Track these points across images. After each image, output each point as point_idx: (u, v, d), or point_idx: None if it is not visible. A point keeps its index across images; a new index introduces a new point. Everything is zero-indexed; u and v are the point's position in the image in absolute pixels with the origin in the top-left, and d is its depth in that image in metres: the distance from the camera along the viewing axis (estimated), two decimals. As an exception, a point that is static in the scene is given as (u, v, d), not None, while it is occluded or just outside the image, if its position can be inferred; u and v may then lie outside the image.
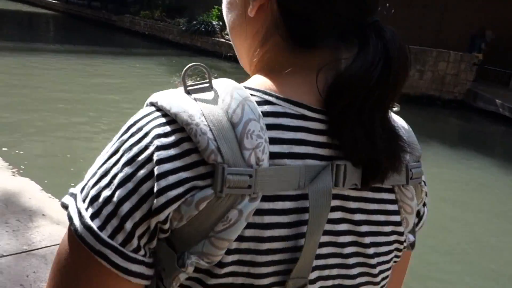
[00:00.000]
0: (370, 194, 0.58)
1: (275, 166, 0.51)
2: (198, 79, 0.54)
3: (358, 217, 0.58)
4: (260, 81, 0.57)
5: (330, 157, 0.55)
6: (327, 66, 0.55)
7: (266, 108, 0.53)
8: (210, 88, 0.53)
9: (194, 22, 18.35)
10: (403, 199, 0.61)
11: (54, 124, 7.21)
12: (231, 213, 0.49)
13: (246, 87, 0.55)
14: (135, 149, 0.50)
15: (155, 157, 0.49)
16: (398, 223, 0.61)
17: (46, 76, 10.80)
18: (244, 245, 0.51)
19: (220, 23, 17.62)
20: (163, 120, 0.51)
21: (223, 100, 0.51)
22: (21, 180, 3.56)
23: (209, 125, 0.49)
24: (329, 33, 0.56)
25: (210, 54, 17.52)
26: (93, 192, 0.51)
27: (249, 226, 0.50)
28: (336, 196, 0.55)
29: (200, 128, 0.49)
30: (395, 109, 0.59)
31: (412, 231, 0.65)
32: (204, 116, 0.49)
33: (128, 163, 0.50)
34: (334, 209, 0.55)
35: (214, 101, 0.51)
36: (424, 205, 0.69)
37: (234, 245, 0.50)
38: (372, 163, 0.54)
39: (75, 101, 8.53)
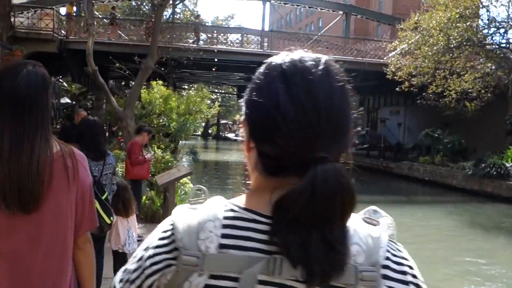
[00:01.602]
0: None
1: (221, 253, 0.73)
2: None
3: None
4: (242, 197, 0.81)
5: (272, 252, 0.72)
6: (280, 188, 0.74)
7: (229, 213, 0.77)
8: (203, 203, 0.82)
9: (483, 165, 16.58)
10: None
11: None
12: (185, 284, 0.74)
13: (230, 202, 0.80)
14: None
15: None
16: None
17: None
18: None
19: (516, 165, 15.42)
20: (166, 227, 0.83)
21: (205, 209, 0.78)
22: None
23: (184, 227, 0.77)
24: (287, 167, 0.76)
25: (504, 200, 15.22)
26: None
27: None
28: (272, 284, 0.72)
29: (178, 229, 0.77)
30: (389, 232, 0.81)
31: None
32: (186, 222, 0.78)
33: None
34: None
35: (202, 211, 0.78)
36: None
37: None
38: (306, 267, 0.69)
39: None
